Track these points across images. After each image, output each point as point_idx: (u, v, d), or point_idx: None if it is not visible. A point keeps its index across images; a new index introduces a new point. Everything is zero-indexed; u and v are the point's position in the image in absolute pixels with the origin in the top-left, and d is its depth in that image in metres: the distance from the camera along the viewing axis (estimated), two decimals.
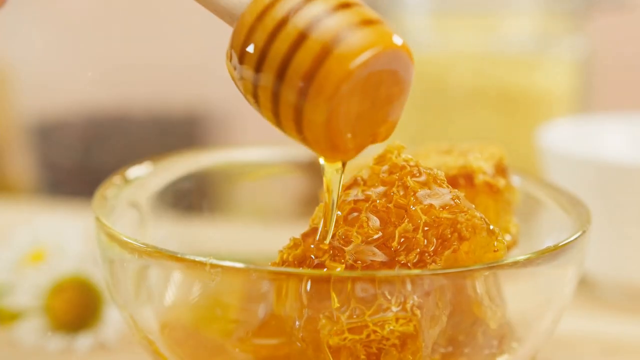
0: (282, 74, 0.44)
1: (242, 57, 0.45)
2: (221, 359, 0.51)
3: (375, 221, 0.49)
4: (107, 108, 1.64)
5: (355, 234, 0.49)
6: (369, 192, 0.50)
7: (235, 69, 0.46)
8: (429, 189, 0.50)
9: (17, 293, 0.66)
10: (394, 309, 0.47)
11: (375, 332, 0.47)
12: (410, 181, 0.50)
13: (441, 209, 0.49)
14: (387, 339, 0.47)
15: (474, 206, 0.50)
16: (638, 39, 1.46)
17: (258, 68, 0.45)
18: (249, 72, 0.45)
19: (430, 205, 0.49)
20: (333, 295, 0.47)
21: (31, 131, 1.57)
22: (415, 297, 0.47)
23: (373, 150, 0.52)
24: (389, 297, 0.47)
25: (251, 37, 0.45)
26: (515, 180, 0.59)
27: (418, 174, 0.50)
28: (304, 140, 0.46)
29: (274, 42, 0.44)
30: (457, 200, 0.49)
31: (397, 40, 0.44)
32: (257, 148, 0.67)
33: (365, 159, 0.56)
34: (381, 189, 0.50)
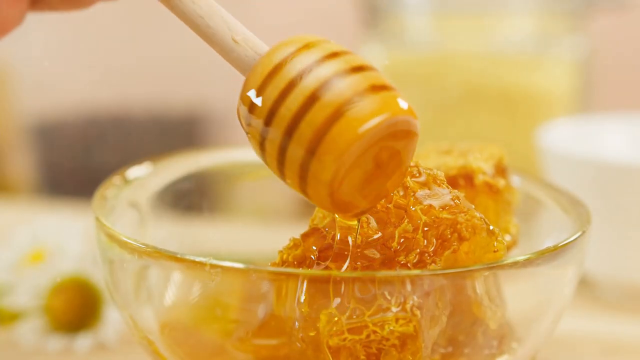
0: (291, 131, 0.45)
1: (252, 109, 0.46)
2: (221, 359, 0.51)
3: (374, 221, 0.49)
4: (107, 108, 1.64)
5: (354, 234, 0.49)
6: None
7: (244, 118, 0.47)
8: (429, 189, 0.50)
9: (17, 293, 0.66)
10: (394, 309, 0.47)
11: (375, 332, 0.47)
12: (409, 181, 0.50)
13: (441, 209, 0.49)
14: (387, 340, 0.47)
15: (473, 206, 0.50)
16: (638, 39, 1.46)
17: (267, 122, 0.46)
18: (257, 123, 0.46)
19: (430, 206, 0.49)
20: (333, 295, 0.47)
21: (31, 131, 1.57)
22: (415, 297, 0.47)
23: None
24: (388, 297, 0.47)
25: (262, 91, 0.46)
26: (515, 180, 0.59)
27: (418, 174, 0.50)
28: (307, 195, 0.47)
29: (285, 100, 0.45)
30: (457, 201, 0.49)
31: (403, 105, 0.46)
32: None
33: None
34: None
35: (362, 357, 0.47)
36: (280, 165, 0.46)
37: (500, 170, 0.56)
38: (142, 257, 0.51)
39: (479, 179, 0.55)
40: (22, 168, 1.53)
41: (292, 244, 0.50)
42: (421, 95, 0.96)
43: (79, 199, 0.97)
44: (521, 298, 0.53)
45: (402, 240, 0.48)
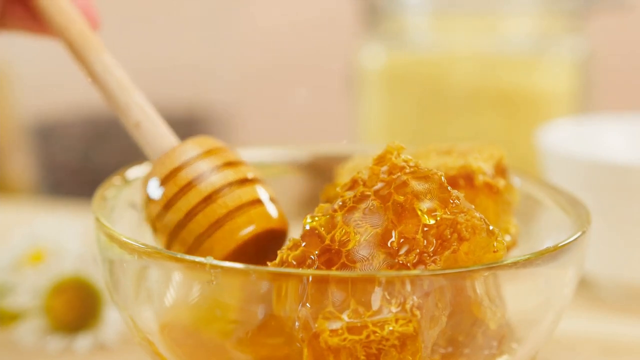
0: (183, 224, 0.53)
1: (149, 200, 0.55)
2: (221, 359, 0.51)
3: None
4: (107, 108, 1.63)
5: (353, 234, 0.49)
6: (368, 193, 0.50)
7: (144, 201, 0.55)
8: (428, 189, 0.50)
9: (17, 293, 0.66)
10: (394, 309, 0.47)
11: (374, 332, 0.47)
12: (410, 182, 0.50)
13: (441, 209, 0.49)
14: (387, 340, 0.47)
15: (473, 206, 0.50)
16: (638, 39, 1.46)
17: (160, 214, 0.54)
18: (153, 211, 0.55)
19: (429, 205, 0.49)
20: (332, 295, 0.47)
21: (31, 131, 1.57)
22: (414, 297, 0.47)
23: (373, 151, 0.52)
24: (388, 297, 0.47)
25: (162, 185, 0.54)
26: (515, 180, 0.59)
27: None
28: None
29: (182, 197, 0.54)
30: (456, 201, 0.49)
31: (274, 216, 0.55)
32: (257, 148, 0.67)
33: (364, 160, 0.56)
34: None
35: (362, 357, 0.47)
36: (169, 244, 0.54)
37: (500, 170, 0.56)
38: (142, 257, 0.51)
39: (479, 179, 0.55)
40: (22, 168, 1.53)
41: (291, 244, 0.50)
42: (421, 96, 0.96)
43: (78, 199, 0.97)
44: (521, 298, 0.53)
45: (402, 240, 0.48)
